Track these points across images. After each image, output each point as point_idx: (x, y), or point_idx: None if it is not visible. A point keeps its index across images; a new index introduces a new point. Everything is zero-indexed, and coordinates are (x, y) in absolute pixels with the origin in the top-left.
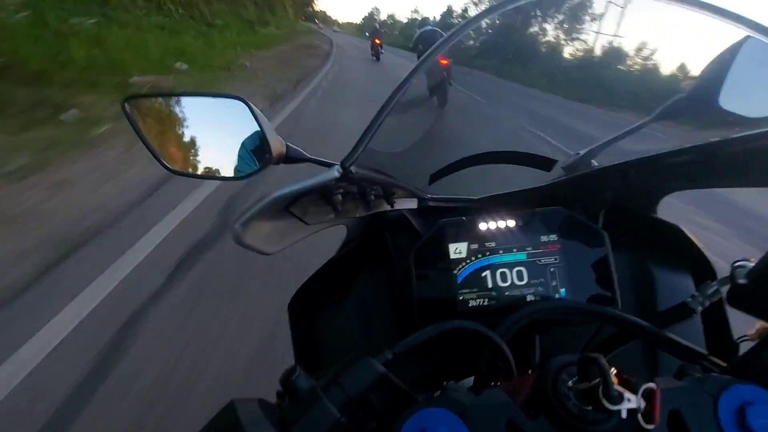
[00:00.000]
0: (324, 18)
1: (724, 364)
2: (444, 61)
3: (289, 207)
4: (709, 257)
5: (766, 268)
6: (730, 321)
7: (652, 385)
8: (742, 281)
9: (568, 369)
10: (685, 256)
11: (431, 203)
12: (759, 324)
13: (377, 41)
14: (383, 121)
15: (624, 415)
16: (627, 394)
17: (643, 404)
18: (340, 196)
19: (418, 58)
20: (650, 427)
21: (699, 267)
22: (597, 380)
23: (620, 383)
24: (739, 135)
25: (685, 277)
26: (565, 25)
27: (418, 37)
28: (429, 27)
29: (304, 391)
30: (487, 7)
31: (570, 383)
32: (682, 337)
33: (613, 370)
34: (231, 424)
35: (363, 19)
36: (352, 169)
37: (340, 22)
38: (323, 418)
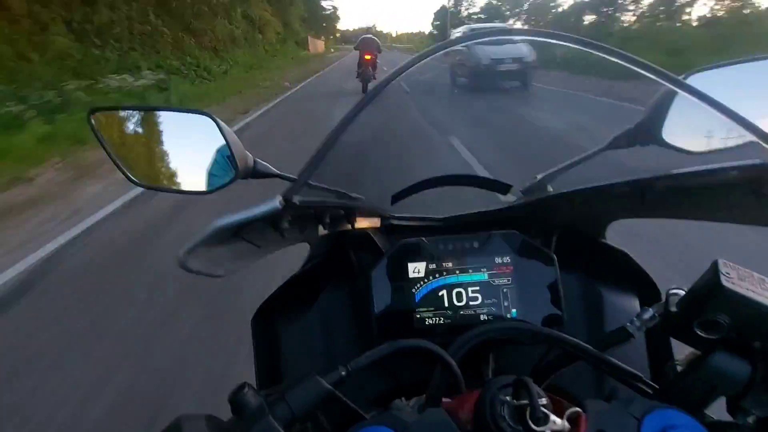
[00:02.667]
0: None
1: (657, 387)
2: (368, 57)
3: (239, 233)
4: (654, 281)
5: (692, 299)
6: (673, 345)
7: (577, 409)
8: (673, 309)
9: (506, 390)
10: (632, 280)
11: (394, 222)
12: (687, 350)
13: (367, 57)
14: (330, 149)
15: None
16: (552, 417)
17: (567, 426)
18: (287, 224)
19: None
20: None
21: (645, 290)
22: (525, 402)
23: (554, 405)
24: (664, 174)
25: (632, 300)
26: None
27: (359, 42)
28: (367, 34)
29: (251, 408)
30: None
31: (507, 404)
32: (626, 359)
33: (544, 397)
34: None
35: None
36: (296, 199)
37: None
38: None
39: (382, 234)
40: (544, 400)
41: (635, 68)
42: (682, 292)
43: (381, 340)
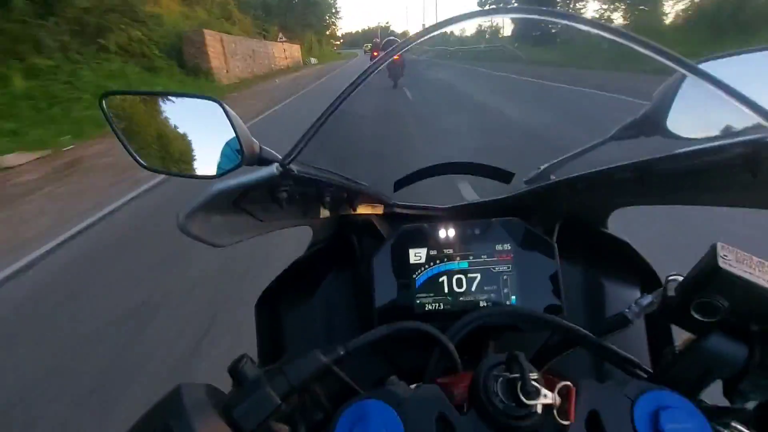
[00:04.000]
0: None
1: (652, 372)
2: (396, 57)
3: (239, 203)
4: (654, 270)
5: (690, 283)
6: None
7: (568, 383)
8: (671, 294)
9: (500, 367)
10: (633, 269)
11: (396, 209)
12: (686, 335)
13: (396, 57)
14: (327, 120)
15: (539, 409)
16: (543, 390)
17: (558, 400)
18: (285, 194)
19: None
20: (565, 423)
21: (645, 279)
22: (517, 376)
23: (547, 382)
24: (666, 154)
25: (632, 288)
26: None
27: (385, 43)
28: (391, 38)
29: (251, 378)
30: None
31: (500, 379)
32: (624, 346)
33: (537, 373)
34: (175, 407)
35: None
36: (294, 167)
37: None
38: (264, 404)
39: (384, 220)
40: (535, 375)
41: (650, 53)
42: (681, 278)
43: (381, 325)
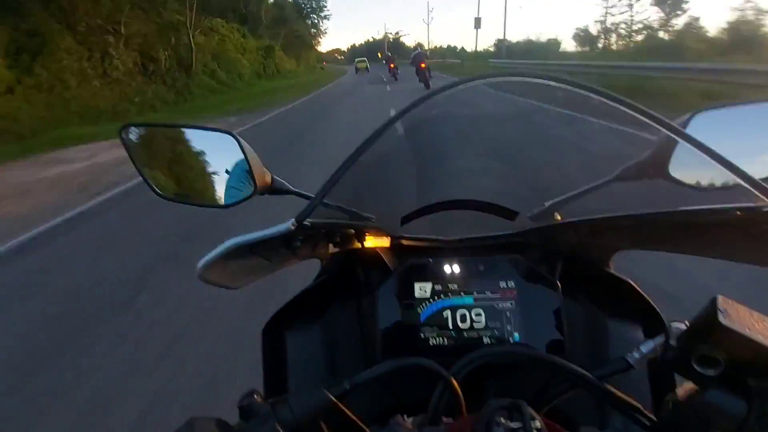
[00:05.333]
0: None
1: (654, 419)
2: (423, 65)
3: (253, 249)
4: (659, 311)
5: (692, 334)
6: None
7: None
8: (673, 342)
9: (502, 412)
10: (636, 310)
11: (403, 242)
12: (687, 383)
13: (423, 65)
14: (344, 172)
15: None
16: None
17: None
18: (299, 243)
19: (416, 71)
20: None
21: (648, 320)
22: (519, 424)
23: (549, 430)
24: (666, 210)
25: (635, 329)
26: None
27: (413, 57)
28: (419, 50)
29: (258, 415)
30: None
31: (502, 426)
32: (627, 389)
33: (536, 420)
34: None
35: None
36: (308, 222)
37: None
38: None
39: (391, 253)
40: (537, 423)
41: (637, 115)
42: (683, 326)
43: (385, 357)
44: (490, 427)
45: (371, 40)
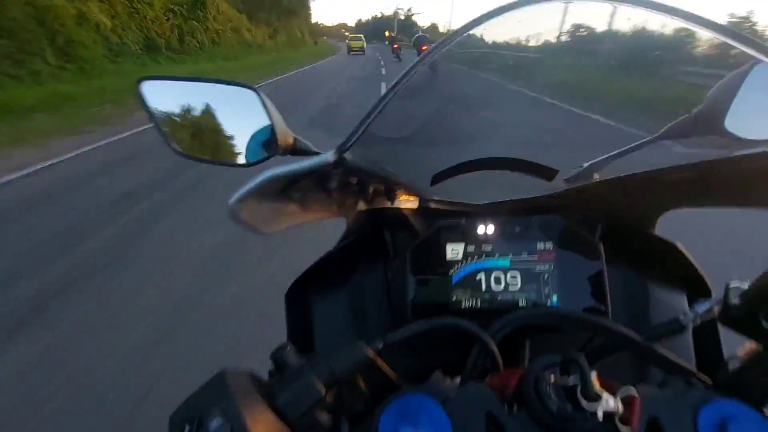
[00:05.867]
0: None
1: (710, 382)
2: (425, 47)
3: (287, 190)
4: (705, 276)
5: (758, 291)
6: (722, 340)
7: (632, 390)
8: (734, 302)
9: (552, 369)
10: (681, 273)
11: (432, 204)
12: (748, 344)
13: (424, 47)
14: (382, 110)
15: (600, 416)
16: (606, 395)
17: (621, 408)
18: (335, 183)
19: (417, 53)
20: (626, 430)
21: (694, 285)
22: (577, 379)
23: (602, 386)
24: (733, 155)
25: (679, 294)
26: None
27: (414, 40)
28: (420, 33)
29: (293, 367)
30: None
31: (552, 382)
32: (672, 353)
33: (595, 373)
34: (221, 392)
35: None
36: (348, 156)
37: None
38: (308, 394)
39: (418, 215)
40: (595, 378)
41: (722, 36)
42: (744, 286)
43: (416, 320)
44: (539, 382)
45: (379, 16)
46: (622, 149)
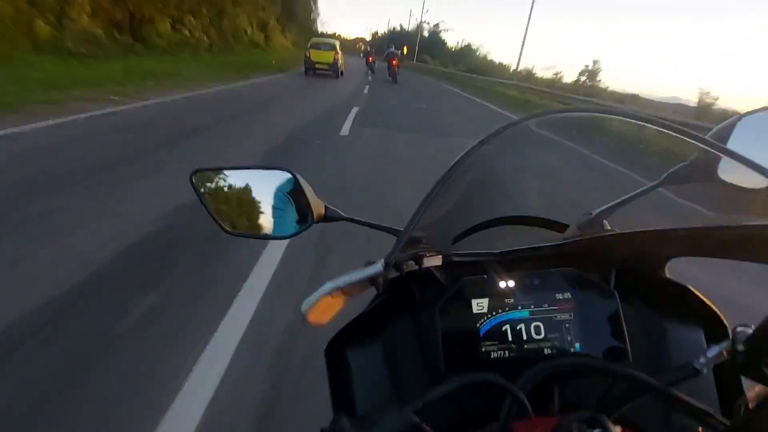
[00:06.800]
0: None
1: (728, 424)
2: (394, 62)
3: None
4: (720, 313)
5: (761, 338)
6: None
7: None
8: (740, 347)
9: (580, 425)
10: (697, 314)
11: (455, 258)
12: (757, 387)
13: (394, 62)
14: (422, 217)
15: None
16: None
17: None
18: (381, 280)
19: (388, 68)
20: None
21: (710, 324)
22: None
23: None
24: (721, 225)
25: (697, 334)
26: None
27: (386, 55)
28: (392, 50)
29: None
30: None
31: None
32: (693, 394)
33: (619, 429)
34: None
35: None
36: (393, 262)
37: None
38: None
39: (442, 270)
40: None
41: (680, 137)
42: (749, 330)
43: (448, 373)
44: None
45: (397, 29)
46: (627, 196)
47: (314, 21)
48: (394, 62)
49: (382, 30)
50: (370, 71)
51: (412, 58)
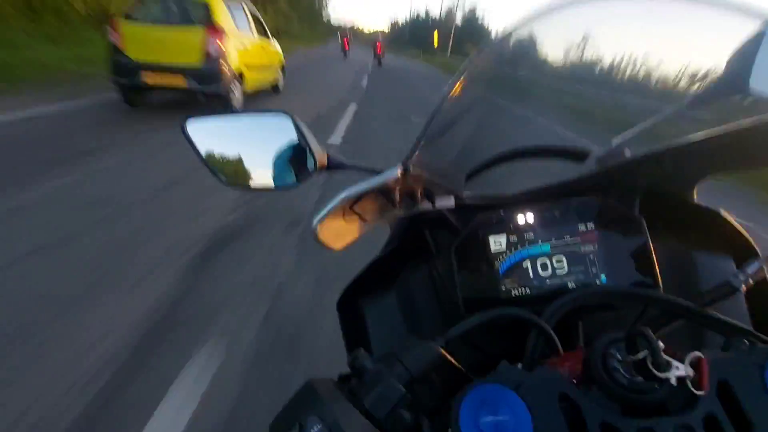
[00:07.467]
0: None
1: None
2: (378, 48)
3: (353, 205)
4: (750, 239)
5: None
6: None
7: (698, 354)
8: None
9: (616, 345)
10: (726, 238)
11: (468, 201)
12: None
13: (379, 47)
14: (435, 121)
15: (674, 382)
16: (675, 363)
17: (691, 372)
18: (397, 194)
19: (373, 51)
20: (701, 393)
21: (740, 249)
22: (645, 352)
23: (667, 354)
24: (755, 122)
25: (726, 259)
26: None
27: (373, 41)
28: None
29: (371, 370)
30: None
31: (619, 357)
32: (726, 316)
33: (660, 343)
34: (314, 399)
35: None
36: (410, 167)
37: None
38: (391, 394)
39: (456, 213)
40: (662, 348)
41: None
42: None
43: (469, 314)
44: (605, 360)
45: (423, 16)
46: (648, 122)
47: (321, 7)
48: (378, 48)
49: (403, 19)
50: (343, 54)
51: (445, 49)
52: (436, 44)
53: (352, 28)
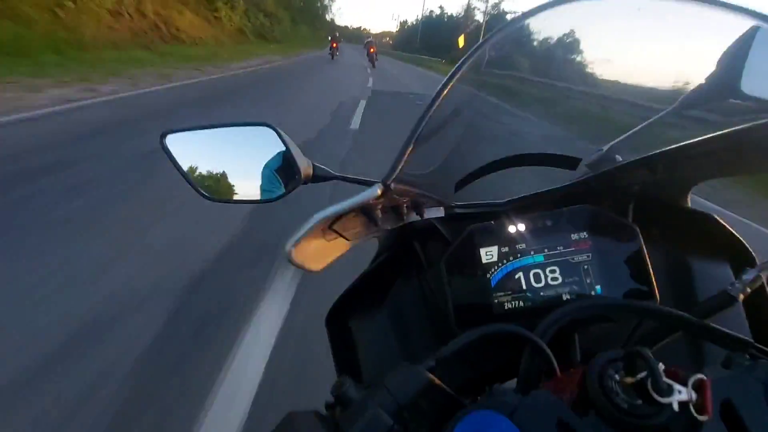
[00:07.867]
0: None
1: None
2: (372, 50)
3: (332, 225)
4: (747, 244)
5: None
6: None
7: (701, 376)
8: None
9: (614, 364)
10: (721, 245)
11: (458, 210)
12: None
13: (372, 49)
14: (417, 138)
15: (676, 407)
16: (677, 386)
17: (694, 396)
18: (379, 212)
19: (367, 55)
20: (704, 418)
21: (737, 255)
22: (644, 374)
23: (668, 376)
24: (762, 121)
25: (722, 266)
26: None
27: (365, 43)
28: (370, 39)
29: (356, 400)
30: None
31: (617, 378)
32: (725, 327)
33: (660, 364)
34: None
35: None
36: (392, 185)
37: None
38: (377, 425)
39: (446, 223)
40: (662, 369)
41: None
42: None
43: (461, 329)
44: (603, 382)
45: (435, 14)
46: (639, 127)
47: (324, 9)
48: (371, 50)
49: (411, 19)
50: (330, 56)
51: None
52: (461, 45)
53: (361, 30)
